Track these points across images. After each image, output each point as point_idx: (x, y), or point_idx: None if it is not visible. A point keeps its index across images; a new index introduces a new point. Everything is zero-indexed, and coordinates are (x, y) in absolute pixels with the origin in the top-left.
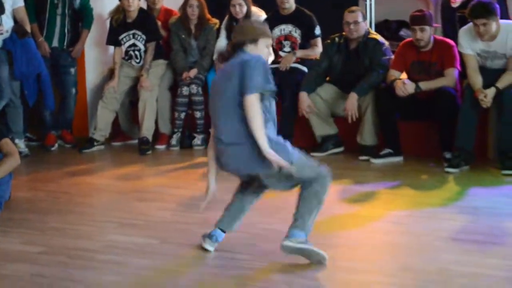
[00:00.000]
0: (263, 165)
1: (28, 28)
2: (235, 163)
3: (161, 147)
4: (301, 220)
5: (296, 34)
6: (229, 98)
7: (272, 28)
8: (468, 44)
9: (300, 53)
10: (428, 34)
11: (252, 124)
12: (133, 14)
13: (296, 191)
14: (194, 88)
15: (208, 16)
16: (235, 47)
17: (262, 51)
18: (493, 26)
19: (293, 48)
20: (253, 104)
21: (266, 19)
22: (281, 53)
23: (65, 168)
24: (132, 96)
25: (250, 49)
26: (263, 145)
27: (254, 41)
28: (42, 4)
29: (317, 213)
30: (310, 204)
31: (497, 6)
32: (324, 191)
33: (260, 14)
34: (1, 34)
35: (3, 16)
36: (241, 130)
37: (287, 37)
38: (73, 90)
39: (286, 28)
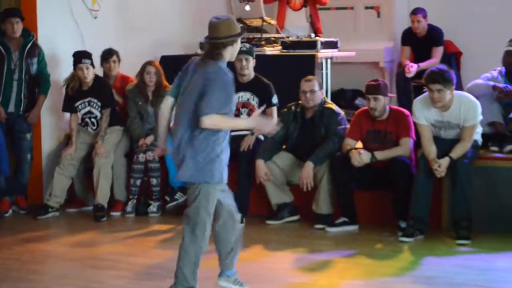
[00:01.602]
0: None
1: None
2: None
3: (116, 213)
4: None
5: (254, 102)
6: (190, 109)
7: None
8: (422, 114)
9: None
10: (382, 104)
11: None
12: (89, 82)
13: None
14: (150, 155)
15: (165, 82)
16: (219, 48)
17: (237, 48)
18: (447, 94)
19: (250, 115)
20: (211, 122)
21: None
22: None
23: (19, 234)
24: (88, 163)
25: (231, 50)
26: (243, 124)
27: (235, 41)
28: None
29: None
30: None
31: (454, 76)
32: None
33: None
34: None
35: None
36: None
37: (245, 104)
38: (29, 156)
39: (244, 96)
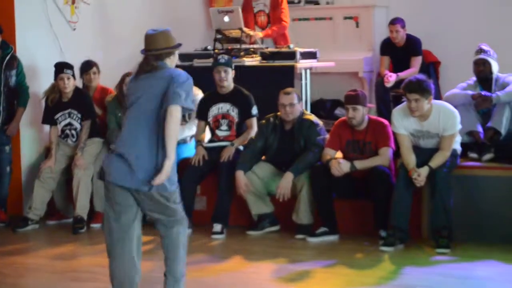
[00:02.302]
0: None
1: None
2: (138, 174)
3: (96, 225)
4: None
5: (234, 113)
6: (147, 110)
7: (210, 106)
8: (401, 123)
9: (238, 142)
10: (361, 114)
11: (169, 132)
12: (69, 93)
13: None
14: None
15: None
16: (157, 59)
17: (175, 60)
18: (425, 103)
19: (230, 126)
20: (177, 113)
21: (204, 98)
22: (217, 131)
23: None
24: (68, 175)
25: (169, 61)
26: (171, 155)
27: (173, 53)
28: None
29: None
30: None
31: (433, 86)
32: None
33: (197, 93)
34: None
35: None
36: (145, 144)
37: (225, 115)
38: (8, 168)
39: (223, 107)
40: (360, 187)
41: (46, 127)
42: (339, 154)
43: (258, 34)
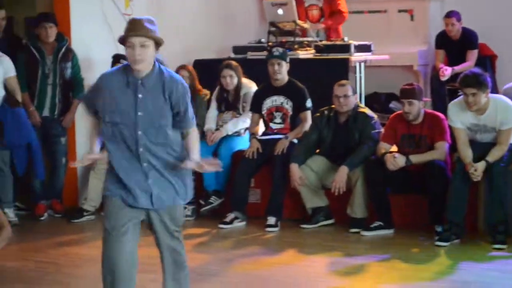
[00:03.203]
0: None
1: (19, 97)
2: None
3: None
4: None
5: (288, 105)
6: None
7: (264, 99)
8: (457, 117)
9: (292, 135)
10: (417, 108)
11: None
12: None
13: None
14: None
15: (199, 86)
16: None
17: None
18: (482, 97)
19: (283, 119)
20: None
21: (258, 91)
22: (271, 124)
23: (54, 238)
24: None
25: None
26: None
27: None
28: (33, 74)
29: None
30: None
31: (489, 79)
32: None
33: (250, 85)
34: None
35: None
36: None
37: (278, 108)
38: (63, 160)
39: (277, 100)
40: (415, 181)
41: None
42: (394, 149)
43: (318, 25)
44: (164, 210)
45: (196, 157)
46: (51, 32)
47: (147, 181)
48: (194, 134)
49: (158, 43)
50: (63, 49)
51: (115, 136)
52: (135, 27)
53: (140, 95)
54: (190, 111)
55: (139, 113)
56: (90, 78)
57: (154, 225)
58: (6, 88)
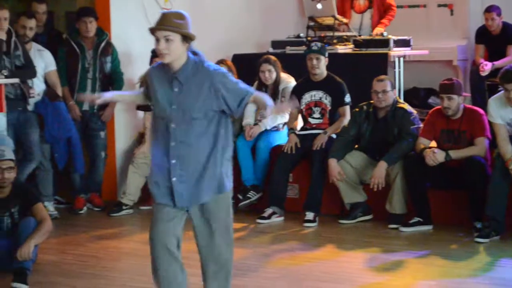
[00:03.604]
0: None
1: (59, 91)
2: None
3: None
4: None
5: (326, 100)
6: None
7: (302, 94)
8: (497, 113)
9: (331, 130)
10: (456, 103)
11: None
12: None
13: None
14: None
15: None
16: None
17: None
18: None
19: (322, 114)
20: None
21: (297, 86)
22: (310, 119)
23: (94, 231)
24: None
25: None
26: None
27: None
28: (73, 68)
29: None
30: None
31: None
32: None
33: (289, 80)
34: (33, 97)
35: (35, 80)
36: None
37: (317, 103)
38: (103, 154)
39: (316, 94)
40: (454, 177)
41: (140, 113)
42: (433, 144)
43: (380, 29)
44: (196, 207)
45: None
46: (91, 27)
47: (171, 178)
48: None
49: (186, 37)
50: (103, 44)
51: (155, 129)
52: (160, 21)
53: (175, 89)
54: (239, 85)
55: (173, 107)
56: (129, 72)
57: (192, 222)
58: (46, 82)
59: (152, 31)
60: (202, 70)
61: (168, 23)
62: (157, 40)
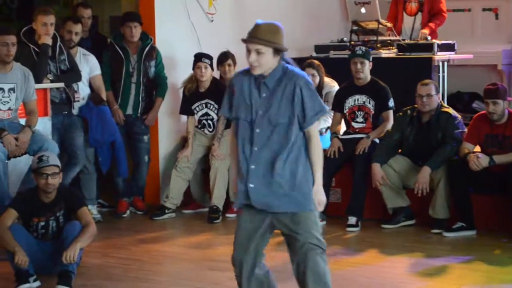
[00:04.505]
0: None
1: (104, 96)
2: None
3: (231, 216)
4: None
5: (370, 105)
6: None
7: (346, 98)
8: None
9: (374, 134)
10: (502, 108)
11: (319, 153)
12: (206, 83)
13: None
14: None
15: None
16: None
17: None
18: None
19: (365, 118)
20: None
21: (340, 90)
22: (353, 123)
23: (137, 235)
24: (204, 165)
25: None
26: (321, 178)
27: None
28: (117, 73)
29: None
30: None
31: None
32: None
33: (333, 84)
34: (78, 101)
35: (80, 84)
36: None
37: (361, 107)
38: (146, 158)
39: (360, 99)
40: (498, 182)
41: (183, 117)
42: (477, 149)
43: (424, 32)
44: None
45: (317, 184)
46: (136, 32)
47: (247, 184)
48: (315, 142)
49: (279, 50)
50: (147, 48)
51: (238, 135)
52: (253, 33)
53: (264, 95)
54: (311, 106)
55: (260, 112)
56: (173, 77)
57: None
58: (91, 86)
59: (244, 42)
60: (288, 74)
61: (260, 36)
62: (248, 51)
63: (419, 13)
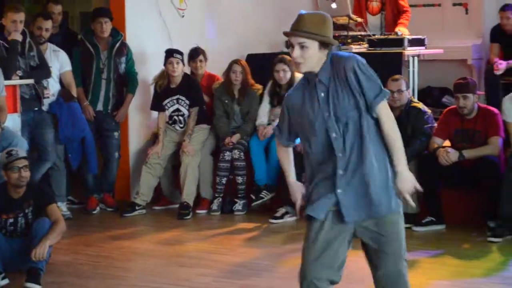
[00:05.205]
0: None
1: (74, 92)
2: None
3: (202, 212)
4: None
5: None
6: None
7: None
8: None
9: None
10: (472, 102)
11: (396, 135)
12: (177, 79)
13: None
14: (236, 153)
15: (252, 81)
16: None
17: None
18: None
19: None
20: (388, 109)
21: None
22: None
23: (106, 231)
24: (175, 161)
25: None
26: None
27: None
28: (88, 69)
29: None
30: None
31: None
32: None
33: None
34: (47, 97)
35: (50, 80)
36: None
37: None
38: (116, 154)
39: None
40: (468, 176)
41: (154, 113)
42: (447, 143)
43: (404, 30)
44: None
45: (401, 170)
46: (107, 27)
47: (335, 190)
48: (386, 123)
49: (325, 43)
50: (118, 44)
51: (311, 149)
52: (296, 24)
53: (322, 94)
54: (369, 87)
55: (326, 114)
56: (144, 72)
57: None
58: (61, 82)
59: (286, 35)
60: (336, 62)
61: (304, 28)
62: (291, 45)
63: (381, 13)
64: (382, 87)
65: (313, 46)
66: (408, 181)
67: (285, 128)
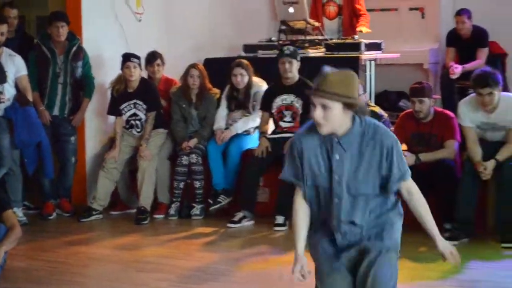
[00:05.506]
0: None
1: (30, 96)
2: None
3: (159, 216)
4: None
5: (298, 104)
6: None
7: (274, 97)
8: (467, 116)
9: None
10: (427, 106)
11: (427, 206)
12: (134, 84)
13: None
14: (193, 158)
15: (209, 85)
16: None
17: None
18: (497, 96)
19: (294, 118)
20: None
21: (268, 89)
22: (281, 123)
23: (63, 237)
24: (132, 165)
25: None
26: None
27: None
28: (44, 73)
29: None
30: None
31: (500, 77)
32: None
33: (261, 84)
34: (3, 102)
35: (5, 85)
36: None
37: (288, 107)
38: (73, 159)
39: (287, 98)
40: (424, 180)
41: (111, 118)
42: (403, 147)
43: (367, 30)
44: None
45: (438, 239)
46: (63, 31)
47: (338, 260)
48: (417, 193)
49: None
50: (74, 48)
51: (313, 202)
52: (320, 84)
53: (337, 156)
54: (401, 161)
55: (335, 177)
56: (100, 77)
57: None
58: (17, 87)
59: (309, 95)
60: (374, 132)
61: (328, 89)
62: (313, 105)
63: (339, 17)
64: (407, 172)
65: (336, 107)
66: (449, 246)
67: (290, 165)
